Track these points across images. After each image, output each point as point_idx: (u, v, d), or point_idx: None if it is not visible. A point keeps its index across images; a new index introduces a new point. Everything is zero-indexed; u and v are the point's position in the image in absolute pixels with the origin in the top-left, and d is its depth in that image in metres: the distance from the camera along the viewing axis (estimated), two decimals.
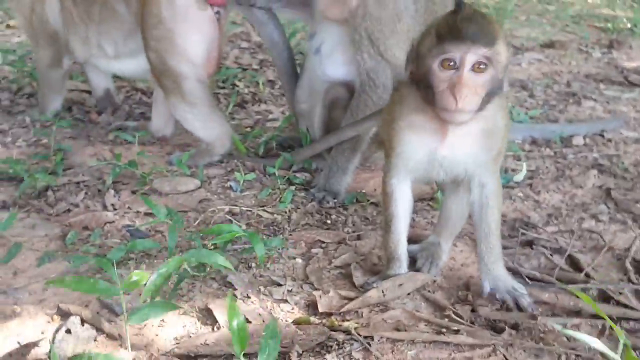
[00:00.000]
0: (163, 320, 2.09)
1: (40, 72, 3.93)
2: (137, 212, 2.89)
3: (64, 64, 3.86)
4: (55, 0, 3.63)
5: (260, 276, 2.39)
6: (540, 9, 11.36)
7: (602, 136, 4.23)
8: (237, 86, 4.95)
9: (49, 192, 2.98)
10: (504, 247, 2.64)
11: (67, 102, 4.34)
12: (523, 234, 2.75)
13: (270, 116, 4.36)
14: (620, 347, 1.77)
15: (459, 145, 2.16)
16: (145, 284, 1.86)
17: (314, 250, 2.62)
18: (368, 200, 3.11)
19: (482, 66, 1.98)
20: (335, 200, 3.06)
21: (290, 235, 2.73)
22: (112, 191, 3.00)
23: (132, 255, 2.49)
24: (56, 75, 3.91)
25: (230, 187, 3.17)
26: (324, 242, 2.68)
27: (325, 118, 3.22)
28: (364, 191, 3.29)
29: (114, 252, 2.41)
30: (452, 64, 1.98)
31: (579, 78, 6.07)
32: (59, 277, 2.29)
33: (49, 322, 2.05)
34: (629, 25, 8.34)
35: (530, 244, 2.73)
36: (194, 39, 3.39)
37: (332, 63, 3.13)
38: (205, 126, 3.50)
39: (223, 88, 4.94)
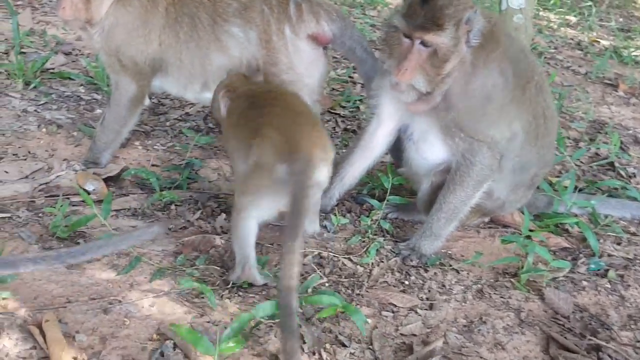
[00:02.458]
0: None
1: (118, 107, 3.73)
2: None
3: (145, 100, 3.83)
4: (156, 43, 3.59)
5: (330, 332, 2.66)
6: None
7: None
8: (359, 109, 5.19)
9: (172, 206, 3.44)
10: (570, 350, 2.73)
11: (204, 110, 4.84)
12: (590, 339, 2.80)
13: None
14: None
15: None
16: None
17: (384, 313, 2.85)
18: (450, 266, 3.27)
19: None
20: (419, 261, 3.24)
21: (367, 291, 2.98)
22: (223, 215, 3.40)
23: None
24: (135, 111, 3.78)
25: (325, 227, 3.45)
26: (396, 306, 2.91)
27: (431, 198, 3.35)
28: (450, 252, 3.45)
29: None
30: None
31: None
32: (166, 295, 2.73)
33: (150, 340, 2.47)
34: None
35: (597, 349, 2.77)
36: (317, 78, 3.70)
37: (425, 149, 3.28)
38: None
39: (344, 107, 5.21)
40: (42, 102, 4.51)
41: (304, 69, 3.64)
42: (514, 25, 5.95)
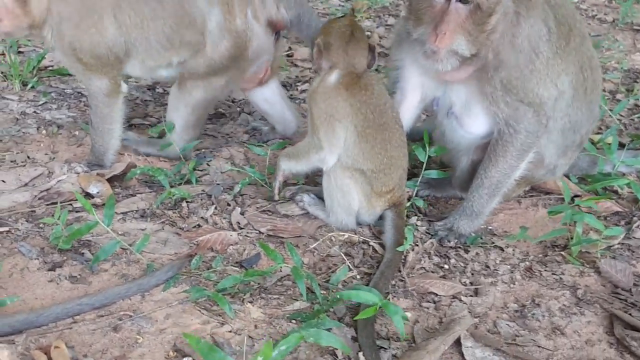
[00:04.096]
0: None
1: (98, 107, 3.38)
2: (260, 232, 2.99)
3: (122, 88, 3.41)
4: (113, 27, 3.19)
5: None
6: None
7: None
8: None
9: (184, 204, 3.16)
10: (638, 329, 2.42)
11: None
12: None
13: None
14: None
15: None
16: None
17: (424, 304, 2.56)
18: (493, 243, 2.96)
19: None
20: (457, 241, 2.94)
21: (402, 280, 2.69)
22: (238, 209, 3.12)
23: (252, 282, 2.59)
24: (117, 102, 3.41)
25: None
26: (437, 295, 2.61)
27: (471, 176, 3.03)
28: (490, 228, 3.14)
29: (227, 280, 2.52)
30: None
31: None
32: (181, 304, 2.46)
33: (166, 358, 2.21)
34: None
35: None
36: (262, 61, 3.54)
37: (469, 121, 2.92)
38: None
39: None
40: (41, 103, 4.26)
41: (254, 55, 3.43)
42: None
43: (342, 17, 2.96)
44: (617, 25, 6.70)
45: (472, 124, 2.92)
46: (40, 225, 2.90)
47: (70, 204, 3.10)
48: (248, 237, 2.95)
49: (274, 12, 3.43)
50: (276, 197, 3.17)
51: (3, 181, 3.25)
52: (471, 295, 2.62)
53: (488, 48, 2.70)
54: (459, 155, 3.09)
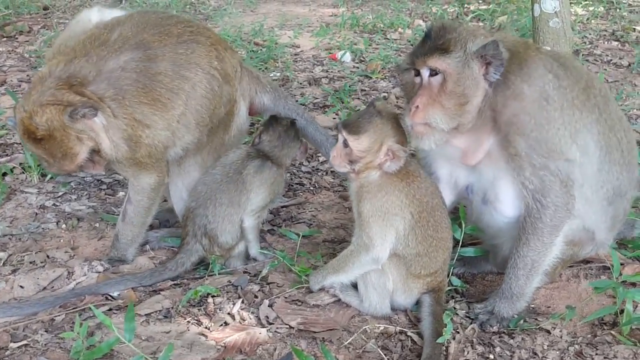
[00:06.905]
0: None
1: (142, 201, 3.33)
2: (290, 327, 2.84)
3: (166, 179, 3.37)
4: (165, 130, 3.24)
5: None
6: None
7: None
8: None
9: (209, 299, 3.03)
10: None
11: None
12: None
13: None
14: None
15: None
16: None
17: None
18: (538, 325, 2.78)
19: None
20: (499, 325, 2.76)
21: None
22: (266, 301, 2.98)
23: None
24: (159, 195, 3.39)
25: None
26: None
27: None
28: (533, 305, 2.97)
29: None
30: None
31: None
32: None
33: None
34: None
35: None
36: None
37: (501, 206, 2.79)
38: None
39: None
40: (60, 194, 4.22)
41: (236, 131, 3.58)
42: (550, 31, 5.48)
43: (372, 107, 2.77)
44: (633, 70, 6.62)
45: (504, 208, 2.79)
46: (61, 335, 2.78)
47: (91, 309, 2.98)
48: (278, 333, 2.81)
49: (254, 95, 3.62)
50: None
51: (21, 286, 3.15)
52: None
53: (464, 125, 2.64)
54: (500, 239, 2.96)
